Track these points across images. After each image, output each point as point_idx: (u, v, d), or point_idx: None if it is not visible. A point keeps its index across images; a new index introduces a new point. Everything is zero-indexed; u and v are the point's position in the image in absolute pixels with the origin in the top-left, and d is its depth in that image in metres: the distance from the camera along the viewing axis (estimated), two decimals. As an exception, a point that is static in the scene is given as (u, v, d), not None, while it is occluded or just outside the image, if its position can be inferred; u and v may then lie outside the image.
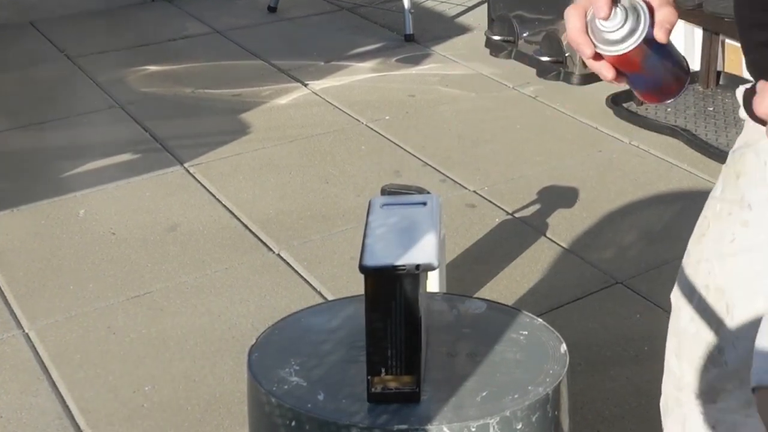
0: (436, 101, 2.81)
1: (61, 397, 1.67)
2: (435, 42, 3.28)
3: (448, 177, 2.38)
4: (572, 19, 1.01)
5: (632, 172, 2.37)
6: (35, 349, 1.80)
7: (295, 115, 2.77)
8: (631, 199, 2.23)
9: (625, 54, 0.99)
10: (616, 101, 2.71)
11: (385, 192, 1.68)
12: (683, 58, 1.04)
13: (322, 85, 2.95)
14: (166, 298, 1.93)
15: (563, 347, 1.12)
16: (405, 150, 2.52)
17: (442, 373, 1.08)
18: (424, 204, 1.11)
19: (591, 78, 2.92)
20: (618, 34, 0.99)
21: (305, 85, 2.95)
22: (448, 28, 3.42)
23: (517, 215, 2.19)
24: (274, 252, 2.09)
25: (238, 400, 1.63)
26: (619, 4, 0.99)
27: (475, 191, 2.32)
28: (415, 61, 3.13)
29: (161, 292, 1.95)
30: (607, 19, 0.98)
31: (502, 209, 2.23)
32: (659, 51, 1.01)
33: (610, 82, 1.02)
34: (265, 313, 1.87)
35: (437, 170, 2.42)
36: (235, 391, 1.66)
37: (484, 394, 1.04)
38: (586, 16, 1.01)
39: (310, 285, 1.97)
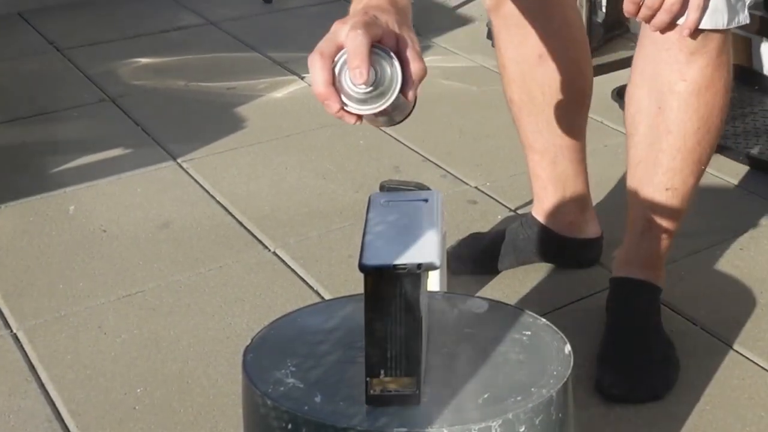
0: (436, 95, 2.81)
1: (51, 399, 1.67)
2: (435, 33, 3.28)
3: (449, 172, 2.38)
4: (319, 72, 1.00)
5: (638, 168, 2.37)
6: (23, 349, 1.80)
7: (292, 108, 2.77)
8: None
9: (373, 113, 1.00)
10: (621, 94, 2.70)
11: (384, 188, 1.68)
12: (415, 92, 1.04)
13: (319, 77, 2.94)
14: (159, 297, 1.93)
15: (567, 348, 1.12)
16: (405, 145, 2.52)
17: (442, 375, 1.08)
18: (425, 200, 1.11)
19: (595, 71, 2.91)
20: (370, 95, 0.99)
21: (302, 78, 2.95)
22: (448, 19, 3.42)
23: (520, 212, 2.19)
24: (269, 250, 2.09)
25: (233, 402, 1.63)
26: (372, 62, 0.98)
27: (476, 187, 2.32)
28: (415, 53, 3.13)
29: (153, 291, 1.95)
30: (363, 83, 0.97)
31: (505, 206, 2.23)
32: (401, 102, 1.02)
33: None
34: (260, 312, 1.87)
35: (438, 166, 2.42)
36: (229, 393, 1.66)
37: (485, 396, 1.04)
38: (333, 66, 1.00)
39: (307, 284, 1.97)
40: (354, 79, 0.99)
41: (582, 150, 1.89)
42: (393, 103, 1.00)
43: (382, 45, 1.00)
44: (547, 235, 1.93)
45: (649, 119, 1.61)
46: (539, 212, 1.94)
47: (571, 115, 1.84)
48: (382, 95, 0.99)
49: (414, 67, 1.00)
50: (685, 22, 1.49)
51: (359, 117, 1.03)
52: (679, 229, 1.71)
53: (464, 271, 1.91)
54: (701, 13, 1.48)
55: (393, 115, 1.08)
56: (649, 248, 1.71)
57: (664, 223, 1.66)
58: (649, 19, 1.50)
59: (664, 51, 1.55)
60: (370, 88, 0.99)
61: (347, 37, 1.00)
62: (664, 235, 1.69)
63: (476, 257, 1.94)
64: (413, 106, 1.09)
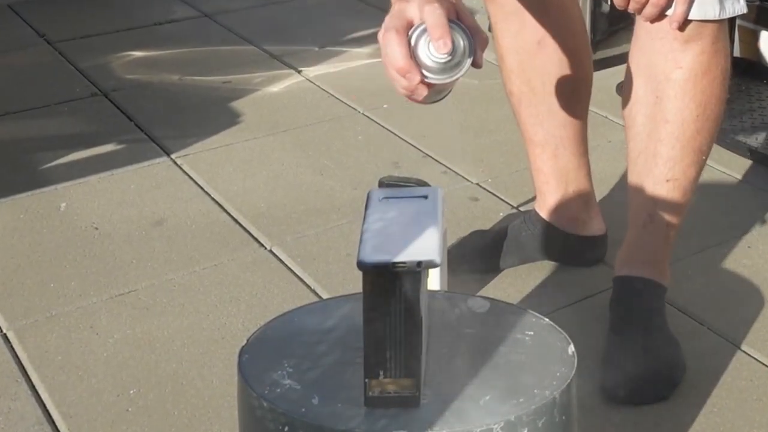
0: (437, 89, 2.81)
1: (41, 401, 1.67)
2: (436, 26, 3.27)
3: (449, 169, 2.38)
4: (395, 47, 1.08)
5: (644, 164, 2.37)
6: (14, 350, 1.80)
7: (288, 103, 2.77)
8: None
9: (452, 80, 1.10)
10: (626, 89, 2.70)
11: (383, 184, 1.68)
12: None
13: (317, 71, 2.95)
14: (152, 296, 1.93)
15: (571, 348, 1.12)
16: (404, 140, 2.52)
17: (443, 376, 1.08)
18: (425, 197, 1.11)
19: (599, 65, 2.92)
20: (448, 64, 1.09)
21: (299, 72, 2.95)
22: (449, 11, 3.41)
23: (522, 209, 2.19)
24: (266, 248, 2.09)
25: (228, 404, 1.63)
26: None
27: (478, 184, 2.32)
28: (415, 46, 3.13)
29: (147, 291, 1.95)
30: (447, 52, 1.07)
31: (507, 202, 2.23)
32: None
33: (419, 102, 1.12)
34: (256, 312, 1.87)
35: (438, 162, 2.42)
36: (224, 395, 1.66)
37: (487, 397, 1.04)
38: (408, 39, 1.08)
39: (304, 283, 1.97)
40: (438, 50, 1.07)
41: (584, 143, 1.89)
42: (466, 71, 1.09)
43: (450, 18, 1.10)
44: (551, 232, 1.93)
45: (646, 109, 1.62)
46: (542, 208, 1.94)
47: (572, 105, 1.84)
48: (458, 64, 1.08)
49: (481, 35, 1.11)
50: (673, 14, 1.51)
51: (428, 87, 1.10)
52: (681, 223, 1.70)
53: (466, 269, 1.91)
54: (688, 5, 1.51)
55: (446, 90, 1.17)
56: (651, 244, 1.71)
57: (666, 216, 1.66)
58: (639, 11, 1.53)
59: (658, 40, 1.56)
60: (449, 58, 1.08)
61: (425, 11, 1.08)
62: (666, 230, 1.68)
63: (478, 255, 1.94)
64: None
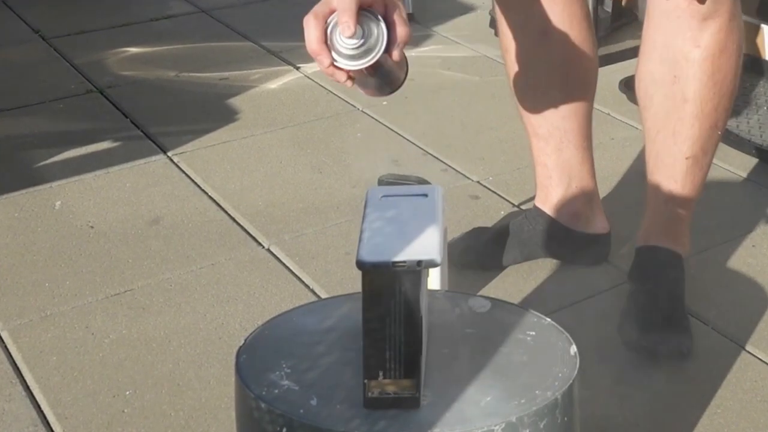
0: (437, 85, 2.81)
1: (36, 402, 1.67)
2: (436, 22, 3.27)
3: (449, 166, 2.38)
4: (312, 30, 1.14)
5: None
6: (8, 350, 1.80)
7: (286, 100, 2.77)
8: (645, 191, 2.23)
9: (360, 69, 1.14)
10: (629, 85, 2.70)
11: (382, 182, 1.68)
12: (406, 62, 1.23)
13: (315, 68, 2.94)
14: (149, 296, 1.93)
15: (573, 349, 1.12)
16: (404, 138, 2.52)
17: (443, 377, 1.08)
18: (426, 195, 1.11)
19: (602, 61, 2.92)
20: (357, 51, 1.13)
21: (297, 68, 2.95)
22: (450, 7, 3.42)
23: (523, 207, 2.19)
24: (263, 247, 2.09)
25: (226, 405, 1.63)
26: (361, 22, 1.12)
27: (478, 182, 2.32)
28: (415, 42, 3.13)
29: (143, 290, 1.95)
30: (350, 36, 1.12)
31: (508, 201, 2.23)
32: (390, 64, 1.16)
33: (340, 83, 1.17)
34: (254, 312, 1.87)
35: (438, 159, 2.42)
36: (222, 396, 1.66)
37: (488, 398, 1.04)
38: (326, 25, 1.14)
39: (303, 282, 1.97)
40: (342, 33, 1.12)
41: (588, 137, 1.90)
42: (379, 60, 1.13)
43: (371, 9, 1.14)
44: (552, 227, 1.93)
45: (664, 89, 1.67)
46: (544, 203, 1.94)
47: (577, 97, 1.85)
48: (368, 52, 1.13)
49: (399, 29, 1.14)
50: None
51: (350, 77, 1.16)
52: (700, 196, 1.78)
53: (467, 264, 1.92)
54: None
55: (382, 83, 1.22)
56: (672, 218, 1.77)
57: (687, 191, 1.74)
58: None
59: (675, 19, 1.60)
60: (359, 43, 1.13)
61: None
62: (687, 204, 1.76)
63: (480, 250, 1.94)
64: (403, 80, 1.25)
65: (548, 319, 1.17)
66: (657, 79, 1.67)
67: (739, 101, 2.64)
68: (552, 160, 1.88)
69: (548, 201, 1.93)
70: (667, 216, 1.78)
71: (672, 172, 1.72)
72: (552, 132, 1.86)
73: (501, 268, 1.95)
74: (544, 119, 1.86)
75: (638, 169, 2.33)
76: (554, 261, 1.98)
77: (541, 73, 1.82)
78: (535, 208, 1.96)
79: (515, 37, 1.80)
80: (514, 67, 1.84)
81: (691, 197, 1.76)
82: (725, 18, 1.59)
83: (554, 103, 1.84)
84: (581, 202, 1.92)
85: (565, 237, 1.94)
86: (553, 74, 1.81)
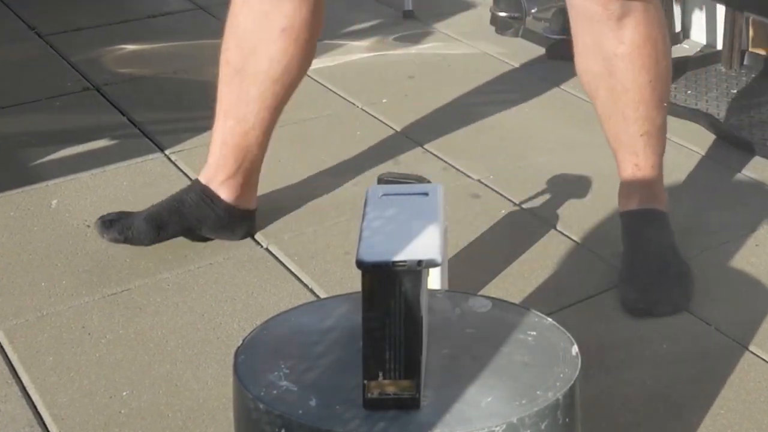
0: (437, 83, 2.81)
1: (32, 402, 1.67)
2: (436, 19, 3.27)
3: (450, 165, 2.38)
4: None
5: (649, 160, 2.37)
6: (4, 351, 1.80)
7: (285, 97, 2.76)
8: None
9: None
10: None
11: (382, 181, 1.68)
12: None
13: (314, 65, 2.92)
14: (146, 295, 1.93)
15: (575, 349, 1.12)
16: (404, 136, 2.52)
17: (443, 377, 1.08)
18: (426, 194, 1.11)
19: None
20: None
21: (296, 66, 2.94)
22: (450, 3, 3.42)
23: (524, 206, 2.19)
24: (262, 246, 2.09)
25: (224, 406, 1.63)
26: None
27: (479, 180, 2.32)
28: (415, 39, 3.13)
29: (140, 290, 1.95)
30: None
31: (509, 200, 2.23)
32: None
33: None
34: (252, 312, 1.87)
35: (439, 158, 2.42)
36: (220, 397, 1.66)
37: (489, 399, 1.04)
38: None
39: (302, 282, 1.97)
40: None
41: (272, 130, 2.07)
42: None
43: None
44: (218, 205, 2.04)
45: (605, 82, 1.85)
46: (211, 181, 2.06)
47: (285, 96, 2.02)
48: None
49: None
50: None
51: None
52: (663, 152, 1.95)
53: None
54: None
55: None
56: (644, 183, 1.94)
57: (650, 161, 1.92)
58: None
59: (597, 23, 1.79)
60: None
61: None
62: (654, 168, 1.93)
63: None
64: None
65: (549, 319, 1.17)
66: (596, 74, 1.85)
67: (741, 99, 2.65)
68: (235, 142, 2.01)
69: (215, 178, 2.05)
70: (639, 184, 1.94)
71: (632, 149, 1.90)
72: (248, 117, 1.99)
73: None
74: (245, 105, 1.99)
75: (640, 167, 2.34)
76: (555, 263, 1.98)
77: (263, 65, 1.95)
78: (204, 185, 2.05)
79: (253, 28, 1.94)
80: (231, 48, 1.97)
81: (656, 163, 1.93)
82: (640, 11, 1.77)
83: (261, 94, 1.97)
84: (249, 183, 2.07)
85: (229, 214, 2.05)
86: (274, 69, 1.95)
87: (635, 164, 1.92)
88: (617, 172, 1.97)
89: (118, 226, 2.01)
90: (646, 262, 1.87)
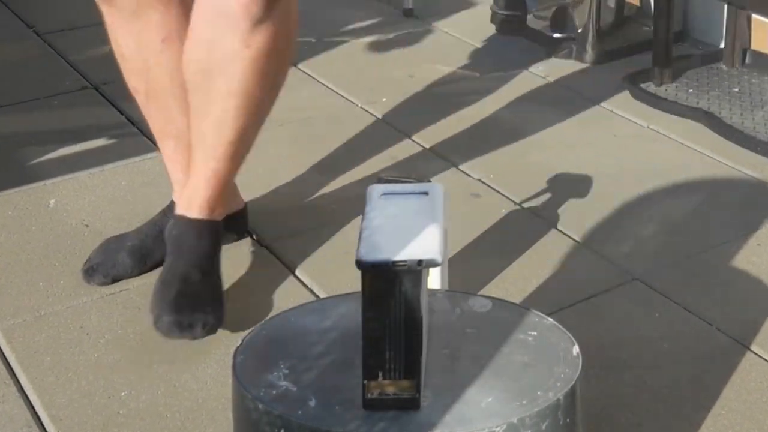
0: (437, 82, 2.81)
1: (30, 403, 1.67)
2: (436, 17, 3.27)
3: (450, 164, 2.38)
4: None
5: (651, 159, 2.37)
6: (2, 351, 1.80)
7: (284, 97, 2.74)
8: (649, 188, 2.23)
9: None
10: (633, 81, 2.70)
11: (382, 180, 1.68)
12: None
13: (314, 64, 2.95)
14: (144, 295, 1.93)
15: (575, 349, 1.12)
16: (404, 135, 2.52)
17: (443, 378, 1.08)
18: (426, 194, 1.11)
19: (606, 56, 2.92)
20: None
21: (295, 65, 2.95)
22: (450, 2, 3.42)
23: (525, 205, 2.19)
24: (261, 245, 2.09)
25: (223, 406, 1.63)
26: None
27: (479, 179, 2.32)
28: (415, 38, 3.13)
29: (138, 290, 1.95)
30: None
31: (510, 199, 2.23)
32: None
33: None
34: (251, 312, 1.87)
35: (439, 156, 2.42)
36: (219, 397, 1.66)
37: (489, 399, 1.04)
38: None
39: (301, 281, 1.97)
40: None
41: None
42: None
43: None
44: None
45: (211, 80, 1.75)
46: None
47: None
48: None
49: None
50: None
51: None
52: (239, 168, 1.89)
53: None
54: None
55: None
56: (214, 193, 1.86)
57: (229, 171, 1.85)
58: None
59: (226, 18, 1.68)
60: None
61: None
62: (227, 179, 1.87)
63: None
64: None
65: (550, 319, 1.17)
66: (204, 69, 1.75)
67: (744, 99, 2.65)
68: (185, 157, 1.94)
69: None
70: (209, 191, 1.85)
71: (215, 154, 1.81)
72: (182, 131, 1.91)
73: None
74: (171, 122, 1.94)
75: (641, 165, 2.33)
76: (556, 262, 1.98)
77: (164, 78, 1.90)
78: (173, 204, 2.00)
79: (133, 47, 1.90)
80: (133, 75, 1.94)
81: (232, 174, 1.87)
82: (277, 21, 1.69)
83: (179, 106, 1.90)
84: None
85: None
86: (175, 78, 1.88)
87: (214, 171, 1.84)
88: (191, 174, 1.89)
89: (102, 270, 1.96)
90: (188, 280, 1.81)
